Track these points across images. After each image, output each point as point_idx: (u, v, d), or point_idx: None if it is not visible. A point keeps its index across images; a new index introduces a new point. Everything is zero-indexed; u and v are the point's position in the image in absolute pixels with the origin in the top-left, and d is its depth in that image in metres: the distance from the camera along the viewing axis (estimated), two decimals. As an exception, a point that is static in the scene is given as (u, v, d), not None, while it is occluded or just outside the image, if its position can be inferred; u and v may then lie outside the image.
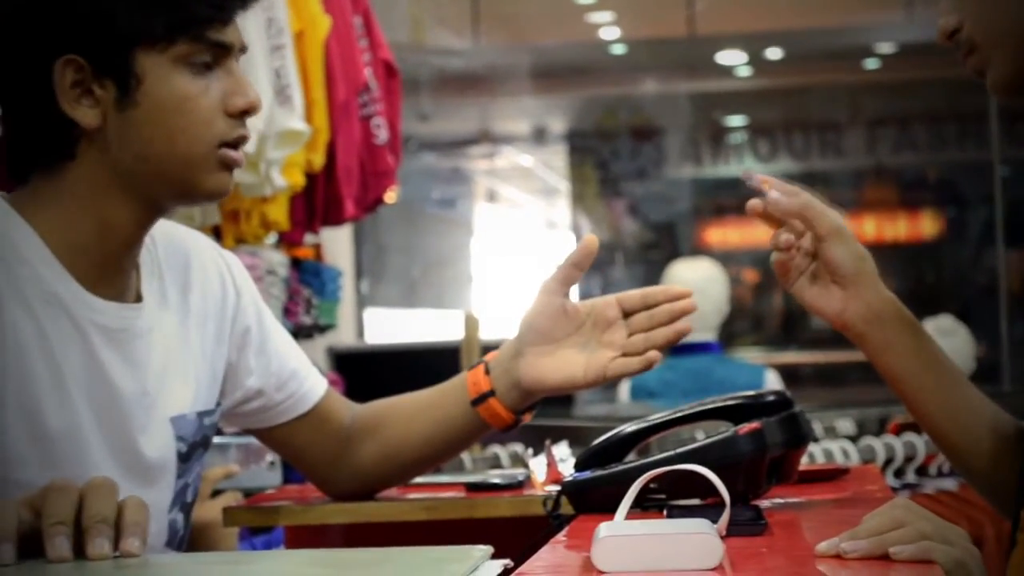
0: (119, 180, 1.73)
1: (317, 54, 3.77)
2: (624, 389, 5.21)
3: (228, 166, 1.76)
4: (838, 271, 1.68)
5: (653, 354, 1.94)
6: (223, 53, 1.75)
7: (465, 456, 3.48)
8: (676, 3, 8.40)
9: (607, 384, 2.03)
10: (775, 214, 1.70)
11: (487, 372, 2.00)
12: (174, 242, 1.91)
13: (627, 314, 1.97)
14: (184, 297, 1.89)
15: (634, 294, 1.97)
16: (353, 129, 3.95)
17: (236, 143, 1.76)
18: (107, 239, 1.75)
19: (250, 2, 1.77)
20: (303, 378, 2.03)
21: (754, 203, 1.70)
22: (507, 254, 10.17)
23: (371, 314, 7.00)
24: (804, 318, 9.35)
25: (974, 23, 1.57)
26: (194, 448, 1.87)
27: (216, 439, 2.04)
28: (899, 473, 3.60)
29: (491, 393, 1.99)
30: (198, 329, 1.89)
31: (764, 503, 1.77)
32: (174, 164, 1.73)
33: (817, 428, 3.82)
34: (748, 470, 1.71)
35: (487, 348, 2.16)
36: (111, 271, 1.77)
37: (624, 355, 1.95)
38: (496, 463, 3.53)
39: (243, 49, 1.78)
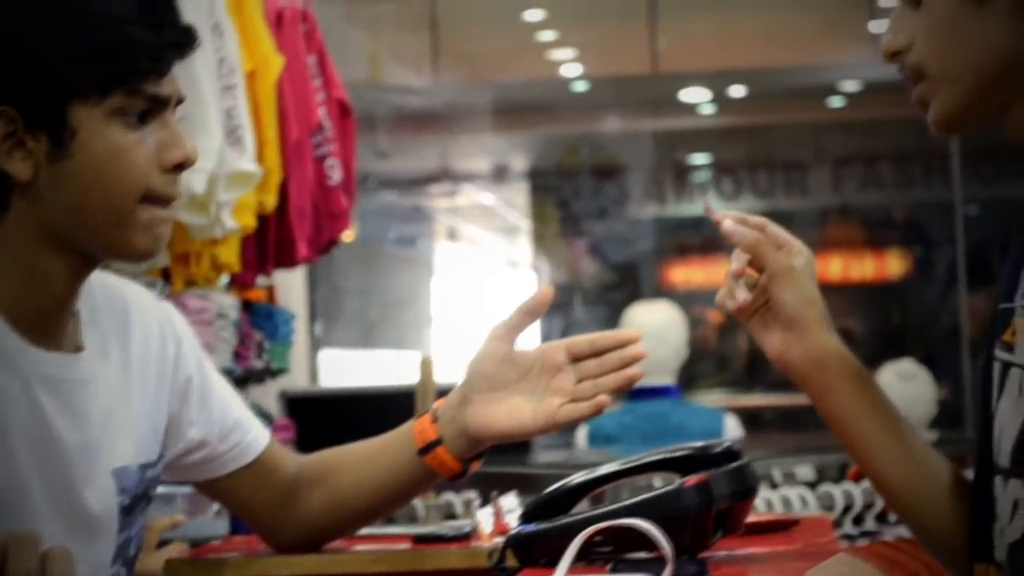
0: (51, 232, 1.74)
1: (269, 94, 3.79)
2: (581, 434, 5.22)
3: (158, 224, 1.76)
4: (782, 311, 1.67)
5: (602, 398, 1.95)
6: (159, 105, 1.75)
7: (418, 503, 3.49)
8: (639, 40, 8.45)
9: (559, 430, 2.04)
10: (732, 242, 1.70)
11: (434, 420, 2.01)
12: (112, 293, 1.91)
13: (576, 359, 1.98)
14: (124, 348, 1.89)
15: (582, 339, 1.98)
16: (306, 170, 3.97)
17: (166, 199, 1.77)
18: (42, 290, 1.75)
19: (187, 53, 1.77)
20: (246, 428, 2.04)
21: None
22: (468, 294, 10.18)
23: (326, 356, 6.99)
24: (769, 359, 9.38)
25: (927, 51, 1.53)
26: (137, 501, 1.88)
27: (161, 488, 2.04)
28: (858, 520, 3.62)
29: (438, 442, 2.00)
30: (139, 380, 1.90)
31: (710, 556, 1.78)
32: (106, 218, 1.73)
33: (776, 474, 3.85)
34: (694, 523, 1.73)
35: (444, 392, 2.16)
36: (49, 322, 1.77)
37: (573, 400, 1.96)
38: (450, 511, 3.54)
39: (180, 101, 1.79)
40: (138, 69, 1.72)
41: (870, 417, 1.67)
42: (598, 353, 1.97)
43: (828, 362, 1.67)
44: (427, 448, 2.00)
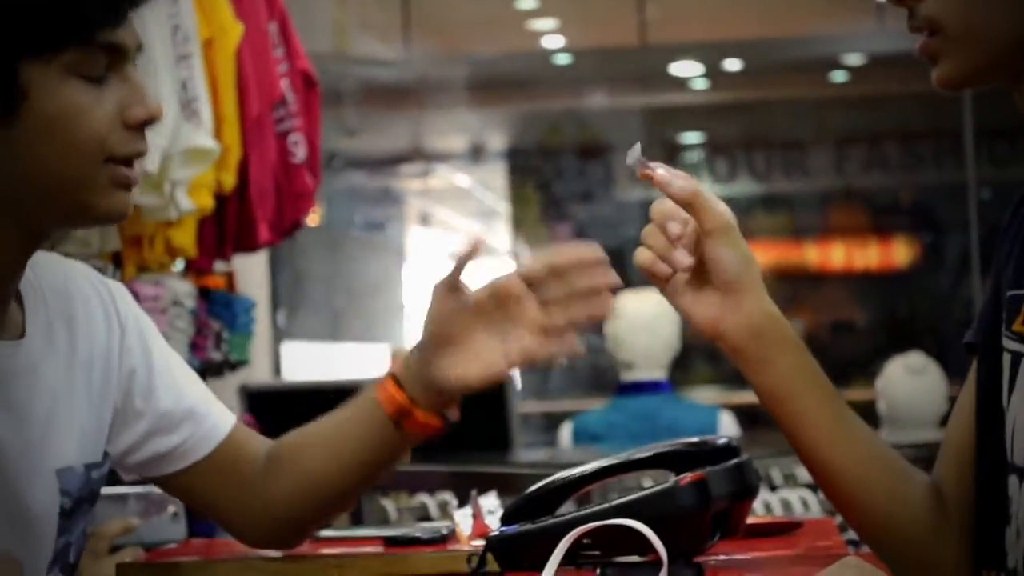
0: (1, 203, 1.72)
1: (228, 64, 3.77)
2: (565, 433, 5.23)
3: (123, 185, 1.74)
4: (721, 273, 1.64)
5: (578, 347, 1.90)
6: (118, 58, 1.72)
7: (390, 506, 3.50)
8: (626, 10, 8.45)
9: (536, 365, 1.98)
10: (663, 192, 1.68)
11: (398, 384, 1.96)
12: (56, 275, 1.88)
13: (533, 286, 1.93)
14: (70, 337, 1.86)
15: (537, 263, 1.93)
16: (268, 146, 3.95)
17: (130, 159, 1.74)
18: None
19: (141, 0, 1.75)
20: (202, 416, 1.98)
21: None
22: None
23: (289, 348, 6.99)
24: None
25: (948, 5, 1.50)
26: (79, 504, 1.85)
27: (113, 489, 2.02)
28: (863, 525, 3.62)
29: (411, 404, 1.95)
30: (84, 373, 1.87)
31: (708, 560, 1.78)
32: (65, 184, 1.71)
33: (775, 475, 3.85)
34: (690, 524, 1.73)
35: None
36: (-12, 303, 1.76)
37: (544, 334, 1.91)
38: (424, 513, 3.54)
39: (139, 48, 1.76)
40: (92, 17, 1.68)
41: (809, 392, 1.64)
42: (559, 275, 1.92)
43: (767, 331, 1.64)
44: (401, 414, 1.95)
